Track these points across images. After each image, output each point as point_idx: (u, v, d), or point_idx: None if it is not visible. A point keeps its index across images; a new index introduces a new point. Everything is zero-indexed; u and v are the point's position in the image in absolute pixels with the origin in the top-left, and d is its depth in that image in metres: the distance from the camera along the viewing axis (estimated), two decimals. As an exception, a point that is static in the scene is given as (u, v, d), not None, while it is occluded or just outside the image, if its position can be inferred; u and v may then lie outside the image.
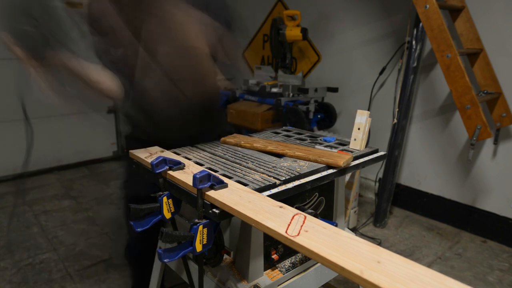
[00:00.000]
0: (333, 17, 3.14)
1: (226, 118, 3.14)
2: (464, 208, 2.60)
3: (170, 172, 0.93)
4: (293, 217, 0.69)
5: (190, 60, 1.22)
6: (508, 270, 2.15)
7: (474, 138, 2.03)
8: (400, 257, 0.55)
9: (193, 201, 0.84)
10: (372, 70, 2.91)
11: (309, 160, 1.05)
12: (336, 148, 1.18)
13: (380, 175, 2.79)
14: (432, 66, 2.61)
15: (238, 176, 0.94)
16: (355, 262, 0.54)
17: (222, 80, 1.32)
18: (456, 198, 2.65)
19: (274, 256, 1.00)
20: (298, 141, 1.28)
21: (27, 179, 3.46)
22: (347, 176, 2.38)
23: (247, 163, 1.05)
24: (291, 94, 2.74)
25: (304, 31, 2.77)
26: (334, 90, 2.82)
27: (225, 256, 1.02)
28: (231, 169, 0.99)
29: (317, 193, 1.10)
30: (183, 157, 1.09)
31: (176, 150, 1.18)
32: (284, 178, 0.91)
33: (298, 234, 0.63)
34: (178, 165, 0.95)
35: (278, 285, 0.99)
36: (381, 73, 2.82)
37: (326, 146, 1.20)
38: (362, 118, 1.16)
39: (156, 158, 0.91)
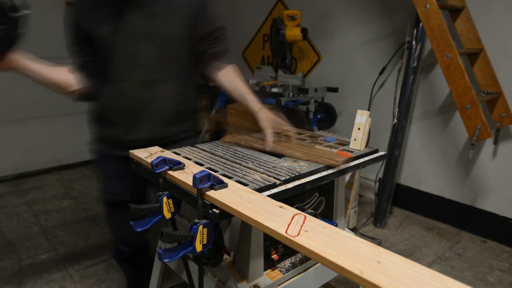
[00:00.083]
0: (333, 17, 3.14)
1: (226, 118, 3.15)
2: (464, 208, 2.60)
3: (170, 172, 0.93)
4: (293, 217, 0.69)
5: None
6: (508, 270, 2.15)
7: (474, 138, 2.02)
8: (400, 257, 0.55)
9: (193, 201, 0.83)
10: (372, 70, 2.91)
11: (308, 160, 1.05)
12: (336, 148, 1.18)
13: (380, 175, 2.79)
14: (432, 66, 2.61)
15: (238, 176, 0.94)
16: (355, 262, 0.54)
17: None
18: (456, 198, 2.65)
19: (274, 256, 1.00)
20: (298, 141, 1.28)
21: (27, 179, 3.46)
22: (347, 176, 2.38)
23: (247, 163, 1.05)
24: (291, 94, 2.74)
25: (304, 31, 2.77)
26: (334, 90, 2.82)
27: (225, 256, 1.02)
28: (231, 169, 0.99)
29: (317, 193, 1.10)
30: (183, 157, 1.09)
31: (176, 150, 1.18)
32: (284, 178, 0.91)
33: (298, 234, 0.63)
34: (178, 165, 0.95)
35: (278, 285, 0.99)
36: (381, 73, 2.82)
37: (326, 146, 1.20)
38: (362, 118, 1.16)
39: (156, 158, 0.91)
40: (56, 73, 1.28)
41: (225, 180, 0.86)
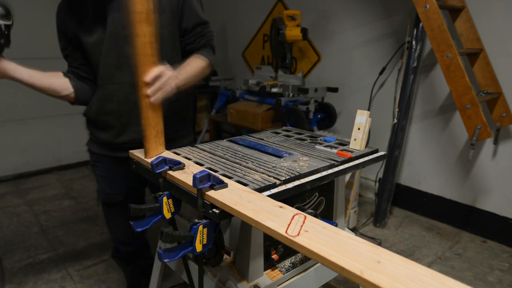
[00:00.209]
0: (333, 17, 3.14)
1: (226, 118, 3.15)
2: (464, 208, 2.60)
3: (170, 172, 0.93)
4: (293, 217, 0.69)
5: None
6: (508, 270, 2.15)
7: (474, 138, 2.02)
8: (400, 257, 0.55)
9: (193, 201, 0.83)
10: (372, 70, 2.91)
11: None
12: (336, 148, 1.18)
13: (380, 175, 2.79)
14: (432, 66, 2.61)
15: (238, 176, 0.94)
16: (355, 262, 0.54)
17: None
18: (456, 198, 2.65)
19: (274, 256, 1.00)
20: (298, 141, 1.28)
21: (27, 179, 3.46)
22: (347, 176, 2.38)
23: (247, 163, 1.05)
24: (291, 94, 2.74)
25: (304, 31, 2.77)
26: (334, 90, 2.83)
27: (225, 256, 1.02)
28: (231, 169, 0.99)
29: (317, 193, 1.10)
30: (183, 157, 1.09)
31: (176, 150, 1.18)
32: (284, 178, 0.91)
33: (298, 234, 0.63)
34: (178, 165, 0.95)
35: (278, 285, 0.99)
36: (381, 73, 2.82)
37: (326, 146, 1.20)
38: (362, 118, 1.16)
39: (156, 158, 0.91)
40: (49, 78, 1.27)
41: (225, 180, 0.86)
